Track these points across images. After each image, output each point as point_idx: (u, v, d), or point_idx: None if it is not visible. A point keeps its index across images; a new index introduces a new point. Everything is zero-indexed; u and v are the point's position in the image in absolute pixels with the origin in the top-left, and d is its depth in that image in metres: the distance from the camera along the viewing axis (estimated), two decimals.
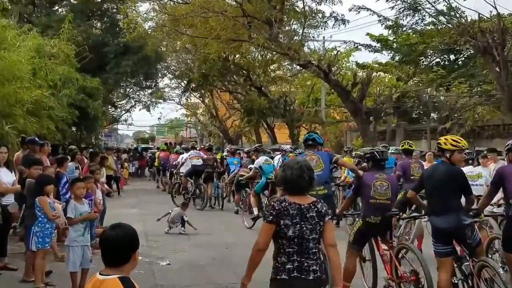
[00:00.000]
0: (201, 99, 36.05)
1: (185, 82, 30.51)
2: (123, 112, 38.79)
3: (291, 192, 3.76)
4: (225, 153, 18.43)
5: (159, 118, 45.22)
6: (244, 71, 24.76)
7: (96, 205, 8.34)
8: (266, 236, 3.64)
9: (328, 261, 3.78)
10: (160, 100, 37.06)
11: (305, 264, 3.60)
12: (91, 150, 20.26)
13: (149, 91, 33.47)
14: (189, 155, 15.25)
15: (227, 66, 23.76)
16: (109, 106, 32.59)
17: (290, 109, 26.66)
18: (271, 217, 3.63)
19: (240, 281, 3.74)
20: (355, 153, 12.10)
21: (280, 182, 3.89)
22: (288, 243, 3.62)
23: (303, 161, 3.90)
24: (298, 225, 3.62)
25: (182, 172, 15.54)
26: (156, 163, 22.14)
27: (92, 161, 11.47)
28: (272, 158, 13.44)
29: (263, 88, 25.66)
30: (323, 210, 3.71)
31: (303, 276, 3.57)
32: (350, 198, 6.35)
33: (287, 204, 3.68)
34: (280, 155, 13.79)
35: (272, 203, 3.87)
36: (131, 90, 33.90)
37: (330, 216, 3.75)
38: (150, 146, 46.95)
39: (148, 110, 35.95)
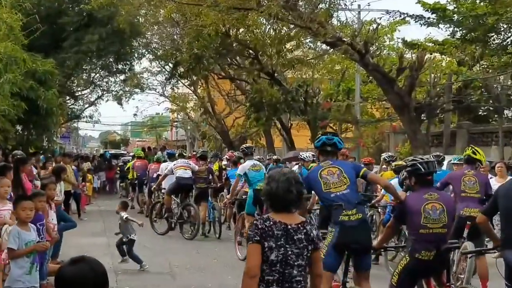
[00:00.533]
0: (192, 88, 36.24)
1: (171, 65, 30.69)
2: (86, 105, 39.13)
3: (276, 209, 4.23)
4: (224, 162, 18.42)
5: (134, 115, 45.17)
6: (251, 51, 24.78)
7: (49, 232, 8.35)
8: (256, 259, 4.06)
9: None
10: (137, 90, 37.24)
11: None
12: (42, 156, 20.39)
13: (122, 77, 33.72)
14: (174, 165, 15.29)
15: (227, 44, 23.80)
16: (68, 97, 32.82)
17: (312, 103, 26.70)
18: (256, 237, 4.08)
19: None
20: (395, 164, 12.14)
21: (264, 198, 4.36)
22: (269, 269, 4.08)
23: (290, 172, 4.38)
24: (283, 248, 4.09)
25: (165, 188, 15.62)
26: (130, 175, 22.20)
27: (43, 169, 11.46)
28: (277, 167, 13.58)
29: (276, 75, 25.69)
30: (312, 234, 4.19)
31: None
32: (391, 225, 6.32)
33: (271, 223, 4.13)
34: (297, 166, 13.80)
35: (255, 221, 4.27)
36: (97, 75, 34.18)
37: (321, 242, 4.36)
38: (122, 152, 47.31)
39: (120, 103, 36.23)
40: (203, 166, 15.49)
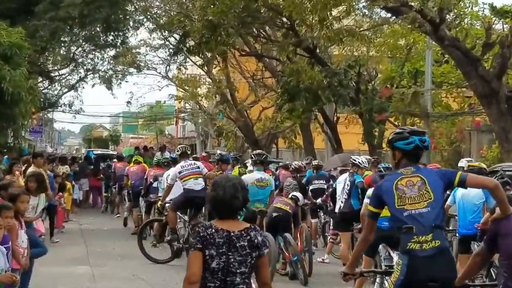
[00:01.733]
0: (206, 69, 36.34)
1: (177, 37, 30.78)
2: (65, 89, 39.39)
3: (220, 216, 5.41)
4: (249, 167, 18.50)
5: (128, 103, 45.22)
6: (285, 20, 24.76)
7: (17, 258, 8.43)
8: (195, 266, 5.24)
9: None
10: (132, 70, 37.53)
11: None
12: (5, 157, 20.59)
13: (112, 52, 33.95)
14: (180, 172, 15.36)
15: (253, 10, 23.78)
16: (40, 79, 33.11)
17: (367, 90, 26.57)
18: (198, 244, 5.25)
19: None
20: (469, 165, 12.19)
21: (209, 204, 5.48)
22: (211, 277, 5.25)
23: (235, 178, 5.67)
24: (224, 256, 5.25)
25: (168, 202, 15.73)
26: (127, 182, 22.29)
27: (8, 173, 11.55)
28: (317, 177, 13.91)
29: (318, 51, 25.63)
30: (257, 240, 5.32)
31: None
32: (478, 254, 6.29)
33: (213, 230, 5.30)
34: (347, 175, 13.86)
35: (197, 228, 5.40)
36: (80, 50, 34.38)
37: (267, 248, 5.46)
38: (111, 152, 47.44)
39: (110, 87, 36.46)
40: (217, 172, 15.65)
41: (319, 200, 17.41)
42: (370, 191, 12.51)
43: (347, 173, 14.11)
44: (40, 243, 10.90)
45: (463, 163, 14.35)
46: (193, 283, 5.22)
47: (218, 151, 22.26)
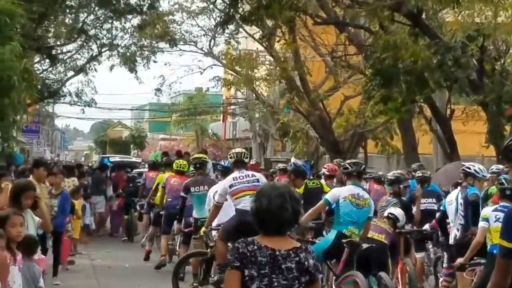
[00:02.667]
0: (266, 43, 36.34)
1: (227, 1, 30.86)
2: (71, 72, 39.70)
3: (265, 231, 5.98)
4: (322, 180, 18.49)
5: (157, 91, 45.49)
6: None
7: None
8: (234, 286, 5.91)
9: None
10: (162, 44, 37.72)
11: None
12: None
13: (136, 21, 34.17)
14: (231, 185, 15.45)
15: None
16: (38, 58, 33.43)
17: (494, 71, 26.31)
18: (236, 263, 5.88)
19: None
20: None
21: (252, 217, 6.14)
22: None
23: (284, 187, 6.24)
24: (267, 278, 5.84)
25: (216, 228, 15.83)
26: (157, 201, 22.40)
27: None
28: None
29: (424, 17, 25.50)
30: (307, 263, 5.92)
31: None
32: None
33: (255, 247, 5.87)
34: (458, 191, 14.01)
35: (236, 244, 6.02)
36: (92, 18, 34.67)
37: (320, 275, 6.11)
38: (134, 159, 47.82)
39: (133, 69, 36.70)
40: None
41: (427, 226, 17.04)
42: (486, 211, 12.52)
43: (459, 188, 13.98)
44: None
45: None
46: None
47: (293, 159, 22.19)
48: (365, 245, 13.36)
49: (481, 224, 12.50)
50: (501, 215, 11.61)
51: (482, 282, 11.25)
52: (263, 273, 5.80)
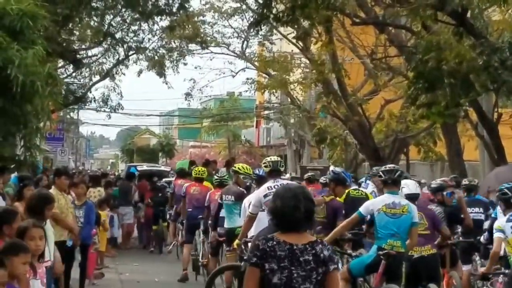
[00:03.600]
0: (301, 45, 36.38)
1: (260, 1, 30.93)
2: (96, 77, 39.91)
3: (282, 229, 7.15)
4: (367, 188, 18.45)
5: (187, 95, 45.66)
6: None
7: None
8: (251, 284, 7.03)
9: None
10: (193, 46, 37.80)
11: None
12: (14, 176, 20.89)
13: (165, 23, 34.30)
14: (266, 194, 15.31)
15: None
16: (62, 62, 33.62)
17: None
18: (255, 259, 7.00)
19: None
20: None
21: (270, 217, 7.37)
22: None
23: (298, 188, 7.48)
24: (287, 270, 6.96)
25: (250, 240, 15.75)
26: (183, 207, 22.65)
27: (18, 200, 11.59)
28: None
29: (469, 16, 25.45)
30: (323, 255, 7.05)
31: None
32: None
33: (274, 243, 7.05)
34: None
35: (256, 242, 7.26)
36: (118, 20, 34.82)
37: (335, 265, 7.12)
38: (163, 168, 47.99)
39: (161, 74, 36.85)
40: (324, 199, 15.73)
41: (482, 239, 16.92)
42: (500, 222, 12.75)
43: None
44: None
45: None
46: None
47: (332, 167, 22.31)
48: (415, 256, 13.56)
49: (497, 235, 12.70)
50: None
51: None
52: (283, 266, 6.94)
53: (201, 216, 21.36)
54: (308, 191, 7.45)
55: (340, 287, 12.25)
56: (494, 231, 12.85)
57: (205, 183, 23.14)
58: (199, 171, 23.65)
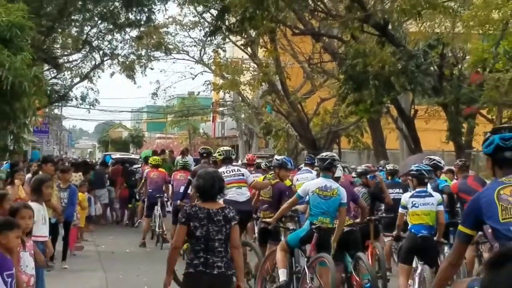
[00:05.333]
0: (250, 51, 36.36)
1: (214, 13, 30.87)
2: (76, 79, 39.70)
3: (203, 199, 9.00)
4: (302, 174, 18.48)
5: (154, 94, 45.51)
6: None
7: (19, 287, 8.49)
8: (180, 236, 8.93)
9: (232, 261, 8.87)
10: (158, 53, 37.70)
11: (210, 260, 8.61)
12: (6, 163, 20.74)
13: (134, 33, 34.14)
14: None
15: None
16: (47, 67, 33.39)
17: (452, 75, 26.40)
18: (183, 219, 8.78)
19: None
20: None
21: (195, 191, 9.89)
22: (196, 242, 8.69)
23: (214, 172, 9.79)
24: (205, 227, 8.70)
25: None
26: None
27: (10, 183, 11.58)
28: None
29: (390, 28, 25.54)
30: (229, 215, 8.87)
31: (208, 271, 8.59)
32: None
33: (197, 209, 8.81)
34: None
35: (184, 207, 9.28)
36: (95, 30, 34.63)
37: (236, 221, 8.96)
38: (133, 156, 47.77)
39: (131, 76, 36.70)
40: (272, 182, 15.81)
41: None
42: (404, 198, 13.13)
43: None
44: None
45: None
46: (177, 247, 9.18)
47: (276, 155, 22.70)
48: (346, 229, 13.49)
49: (400, 211, 13.15)
50: (417, 200, 12.75)
51: (404, 248, 12.85)
52: (203, 224, 8.78)
53: (158, 195, 22.80)
54: (220, 174, 10.02)
55: (280, 256, 13.01)
56: (400, 207, 13.24)
57: (160, 168, 23.98)
58: (155, 159, 24.69)
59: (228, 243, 8.89)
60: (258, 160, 24.51)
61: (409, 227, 12.74)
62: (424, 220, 12.61)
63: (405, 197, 13.06)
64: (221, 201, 9.78)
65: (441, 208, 13.04)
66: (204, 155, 20.31)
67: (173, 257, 9.13)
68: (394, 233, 13.88)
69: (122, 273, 17.40)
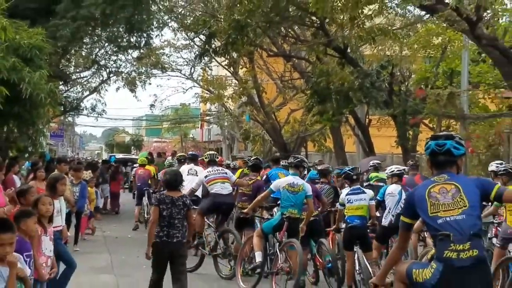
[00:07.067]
0: (232, 70, 36.41)
1: (202, 38, 30.88)
2: (87, 92, 39.71)
3: (168, 189, 10.72)
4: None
5: (151, 105, 45.52)
6: (314, 18, 24.75)
7: (38, 269, 8.49)
8: (155, 214, 10.48)
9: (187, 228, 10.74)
10: (156, 71, 37.76)
11: (171, 233, 10.38)
12: (27, 162, 20.65)
13: (135, 54, 34.13)
14: (207, 177, 15.77)
15: (281, 9, 23.79)
16: (61, 82, 33.33)
17: (400, 91, 26.52)
18: (156, 203, 10.58)
19: None
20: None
21: (163, 184, 11.52)
22: (162, 220, 10.41)
23: (176, 171, 12.21)
24: (170, 209, 10.42)
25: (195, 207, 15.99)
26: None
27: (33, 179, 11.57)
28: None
29: (349, 51, 25.58)
30: (187, 202, 10.66)
31: (169, 240, 10.37)
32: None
33: (164, 196, 10.58)
34: (401, 187, 13.96)
35: (156, 195, 11.64)
36: (102, 51, 34.62)
37: (192, 207, 10.92)
38: (133, 156, 47.71)
39: (133, 90, 36.78)
40: (249, 179, 15.86)
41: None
42: (341, 197, 13.41)
43: (399, 185, 13.99)
44: (68, 258, 11.06)
45: (493, 166, 14.05)
46: (154, 222, 10.49)
47: (250, 156, 23.31)
48: (311, 219, 13.54)
49: (339, 208, 13.35)
50: (352, 197, 12.91)
51: (344, 237, 13.11)
52: (168, 207, 10.43)
53: (145, 188, 23.68)
54: (180, 172, 11.76)
55: (257, 241, 13.23)
56: (338, 205, 13.52)
57: (147, 166, 24.81)
58: (142, 159, 25.60)
59: (184, 221, 10.51)
60: (234, 162, 25.11)
61: (345, 218, 12.93)
62: (357, 212, 12.78)
63: (342, 196, 13.20)
64: (186, 190, 13.19)
65: (373, 202, 13.23)
66: (182, 160, 21.89)
67: (151, 230, 10.49)
68: (334, 226, 14.04)
69: (124, 255, 17.41)
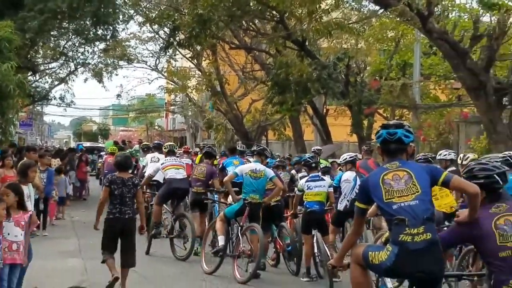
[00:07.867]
0: (195, 61, 36.31)
1: (167, 30, 30.75)
2: (55, 82, 39.39)
3: (119, 170, 11.13)
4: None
5: (118, 96, 45.29)
6: (274, 12, 24.77)
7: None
8: (105, 194, 11.04)
9: (137, 210, 11.27)
10: (122, 63, 37.50)
11: (123, 209, 10.84)
12: None
13: (102, 46, 33.85)
14: (162, 164, 15.91)
15: (242, 3, 23.80)
16: (29, 73, 33.03)
17: (356, 82, 26.64)
18: (108, 183, 10.98)
19: None
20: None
21: (115, 165, 11.62)
22: (114, 198, 10.87)
23: (126, 154, 13.30)
24: (121, 189, 10.86)
25: (151, 192, 17.00)
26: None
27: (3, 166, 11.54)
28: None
29: (307, 44, 25.65)
30: (135, 182, 11.17)
31: (121, 216, 10.85)
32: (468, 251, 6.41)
33: (115, 177, 10.99)
34: (355, 174, 14.05)
35: (108, 176, 11.40)
36: (70, 44, 34.31)
37: (140, 186, 11.44)
38: (100, 145, 47.42)
39: (100, 81, 36.52)
40: (205, 166, 15.86)
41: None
42: (301, 183, 13.36)
43: (354, 172, 14.09)
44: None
45: (441, 155, 14.18)
46: (103, 202, 11.11)
47: (205, 144, 23.44)
48: (272, 203, 13.70)
49: (297, 193, 13.28)
50: (311, 183, 12.88)
51: (302, 222, 13.02)
52: (119, 187, 10.81)
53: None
54: (129, 155, 13.02)
55: (219, 226, 13.20)
56: (296, 191, 13.45)
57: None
58: (112, 148, 25.57)
59: (134, 200, 10.97)
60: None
61: (304, 203, 12.90)
62: (316, 198, 12.78)
63: (302, 182, 13.19)
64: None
65: (331, 189, 13.25)
66: (145, 149, 22.26)
67: (100, 208, 11.19)
68: (291, 212, 14.00)
69: (92, 240, 17.25)
